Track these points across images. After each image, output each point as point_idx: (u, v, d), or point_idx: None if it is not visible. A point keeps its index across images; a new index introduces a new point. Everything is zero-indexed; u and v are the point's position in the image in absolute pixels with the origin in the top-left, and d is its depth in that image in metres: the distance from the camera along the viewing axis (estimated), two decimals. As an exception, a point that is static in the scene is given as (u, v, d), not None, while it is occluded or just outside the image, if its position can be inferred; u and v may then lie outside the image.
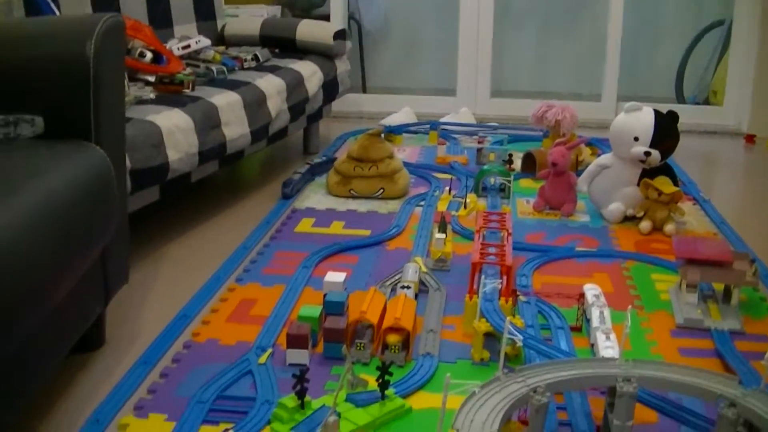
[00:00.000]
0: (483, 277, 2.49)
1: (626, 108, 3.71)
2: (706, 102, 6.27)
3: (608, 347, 2.40)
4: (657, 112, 3.67)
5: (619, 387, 1.92)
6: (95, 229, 2.23)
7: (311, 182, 4.26)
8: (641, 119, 3.65)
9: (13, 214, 1.78)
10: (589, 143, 4.73)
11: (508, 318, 2.08)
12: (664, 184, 3.63)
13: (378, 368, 2.16)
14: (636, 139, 3.63)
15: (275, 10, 5.77)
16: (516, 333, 2.14)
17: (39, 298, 1.91)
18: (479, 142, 4.85)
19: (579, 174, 3.91)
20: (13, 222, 1.76)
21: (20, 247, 1.76)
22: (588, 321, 2.65)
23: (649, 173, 3.68)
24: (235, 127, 3.62)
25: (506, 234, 2.95)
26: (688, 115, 4.35)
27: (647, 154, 3.61)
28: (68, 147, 2.24)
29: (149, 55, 3.67)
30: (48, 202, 1.94)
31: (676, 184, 3.69)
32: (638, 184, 3.69)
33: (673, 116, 3.70)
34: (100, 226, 2.27)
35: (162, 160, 3.12)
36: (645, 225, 3.62)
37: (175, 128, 3.18)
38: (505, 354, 1.95)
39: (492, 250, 2.75)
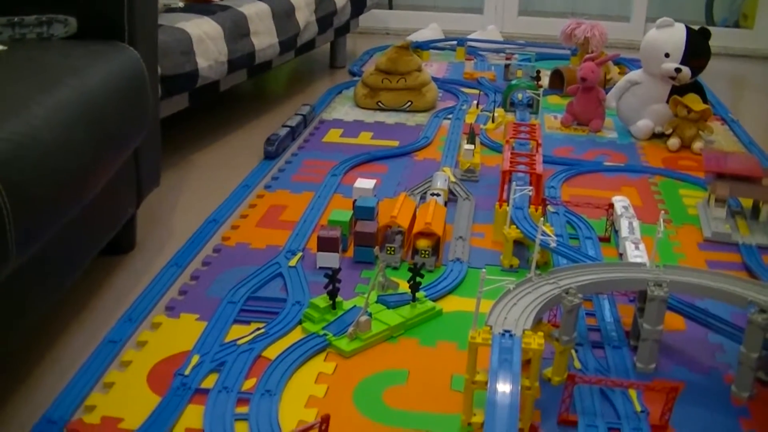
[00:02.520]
0: (514, 183, 2.48)
1: (658, 23, 3.67)
2: (736, 25, 6.20)
3: (637, 257, 2.40)
4: (689, 29, 3.63)
5: (650, 291, 1.93)
6: (129, 128, 2.24)
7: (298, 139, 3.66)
8: (673, 35, 3.62)
9: (50, 111, 1.78)
10: (618, 62, 4.69)
11: (542, 219, 2.07)
12: (693, 101, 3.60)
13: (410, 269, 2.17)
14: (667, 55, 3.60)
15: None
16: (550, 235, 2.14)
17: (76, 193, 1.92)
18: (507, 59, 4.81)
19: (607, 91, 3.88)
20: (50, 118, 1.76)
21: (57, 143, 1.77)
22: (616, 232, 2.65)
23: (678, 90, 3.66)
24: (264, 37, 3.60)
25: (536, 144, 2.94)
26: (718, 38, 4.28)
27: (678, 70, 3.58)
28: (102, 47, 2.23)
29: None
30: (84, 100, 1.94)
31: (705, 102, 3.66)
32: (667, 101, 3.66)
33: (704, 33, 3.66)
34: (134, 126, 2.27)
35: (191, 67, 3.11)
36: (673, 142, 3.60)
37: (204, 36, 3.17)
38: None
39: (522, 159, 2.74)
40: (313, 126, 3.79)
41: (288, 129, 3.49)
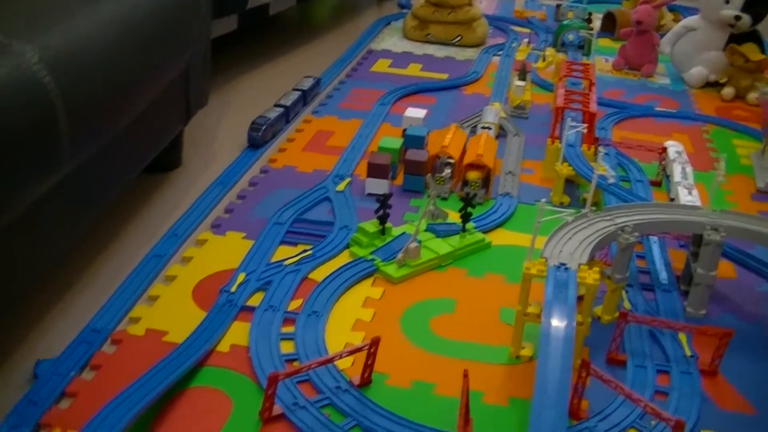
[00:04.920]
0: (569, 120, 2.44)
1: (720, -33, 3.58)
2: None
3: (690, 203, 2.35)
4: (752, -25, 3.54)
5: (707, 235, 1.89)
6: (178, 44, 2.21)
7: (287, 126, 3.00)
8: (734, -20, 3.53)
9: (98, 25, 1.75)
10: (672, 8, 4.60)
11: (601, 152, 2.03)
12: (751, 51, 3.53)
13: (462, 199, 2.13)
14: (727, 1, 3.51)
15: None
16: (608, 168, 2.10)
17: (126, 103, 1.91)
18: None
19: (660, 37, 3.81)
20: (96, 33, 1.73)
21: (109, 52, 1.76)
22: (668, 177, 2.60)
23: (736, 39, 3.58)
24: (315, -39, 3.54)
25: (589, 83, 2.88)
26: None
27: (737, 18, 3.50)
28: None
29: None
30: (133, 14, 1.92)
31: (763, 52, 3.58)
32: (724, 50, 3.59)
33: (768, -19, 3.58)
34: (183, 42, 2.25)
35: (242, -12, 3.06)
36: (728, 91, 3.53)
37: (256, -44, 3.12)
38: (584, 199, 1.92)
39: (576, 97, 2.69)
40: (360, 56, 3.74)
41: (281, 110, 2.88)
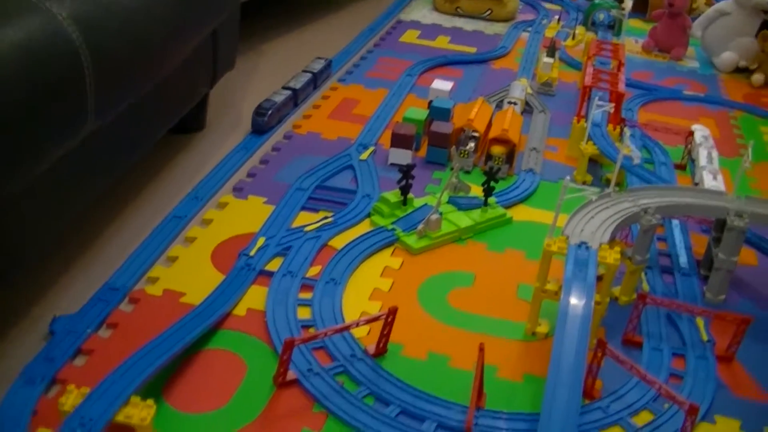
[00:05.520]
0: (597, 98, 2.42)
1: (755, -48, 3.54)
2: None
3: (714, 188, 2.33)
4: (788, -40, 3.50)
5: (730, 221, 1.88)
6: (208, 4, 2.20)
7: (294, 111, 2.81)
8: (770, -35, 3.49)
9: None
10: (706, -9, 4.55)
11: (627, 133, 2.02)
12: (783, 38, 3.49)
13: (485, 173, 2.13)
14: (761, -14, 3.48)
15: None
16: (634, 149, 2.08)
17: (154, 64, 1.91)
18: (590, -23, 4.68)
19: (693, 20, 3.77)
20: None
21: (140, 11, 1.76)
22: (693, 161, 2.58)
23: (769, 25, 3.54)
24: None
25: (618, 63, 2.86)
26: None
27: (772, 3, 3.46)
28: None
29: None
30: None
31: (796, 39, 3.55)
32: (756, 36, 3.55)
33: (805, -34, 3.53)
34: (213, 2, 2.24)
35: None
36: (757, 77, 3.50)
37: None
38: (607, 179, 1.91)
39: (604, 77, 2.67)
40: (389, 25, 3.72)
41: (288, 93, 2.73)
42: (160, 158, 2.34)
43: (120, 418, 1.31)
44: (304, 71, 2.91)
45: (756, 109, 3.21)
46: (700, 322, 1.84)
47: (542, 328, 1.75)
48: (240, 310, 1.74)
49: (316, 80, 2.92)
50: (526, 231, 2.14)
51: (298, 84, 2.79)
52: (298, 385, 1.55)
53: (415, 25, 3.76)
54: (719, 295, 1.94)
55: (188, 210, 2.09)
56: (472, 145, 2.38)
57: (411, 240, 2.00)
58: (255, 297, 1.78)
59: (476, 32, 3.76)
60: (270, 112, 2.57)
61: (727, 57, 3.59)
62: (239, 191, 2.20)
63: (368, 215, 2.11)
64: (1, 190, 1.36)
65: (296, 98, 2.76)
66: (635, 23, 4.20)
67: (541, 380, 1.55)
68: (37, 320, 1.68)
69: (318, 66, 2.97)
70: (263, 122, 2.55)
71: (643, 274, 1.96)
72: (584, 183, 2.39)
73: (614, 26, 3.86)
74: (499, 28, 3.84)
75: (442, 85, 2.67)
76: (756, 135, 2.97)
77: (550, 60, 3.08)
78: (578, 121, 2.54)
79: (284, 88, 2.74)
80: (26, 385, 1.48)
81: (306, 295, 1.79)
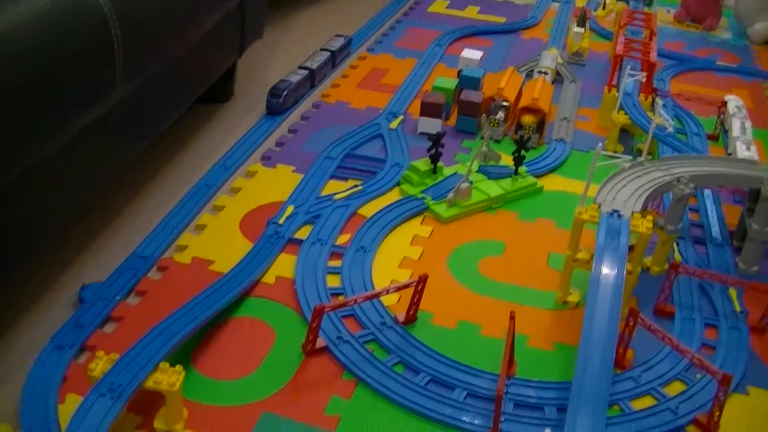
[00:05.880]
0: (628, 68, 2.39)
1: None
2: None
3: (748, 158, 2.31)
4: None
5: (765, 190, 1.85)
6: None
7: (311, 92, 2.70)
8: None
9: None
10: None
11: (660, 101, 1.99)
12: (818, 7, 3.44)
13: (516, 142, 2.11)
14: (796, -45, 3.43)
15: None
16: (667, 117, 2.06)
17: (182, 32, 1.92)
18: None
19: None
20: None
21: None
22: (725, 132, 2.55)
23: (804, -6, 3.49)
24: None
25: (650, 33, 2.83)
26: None
27: (806, -27, 3.41)
28: None
29: None
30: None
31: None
32: (790, 5, 3.50)
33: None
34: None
35: None
36: (791, 48, 3.45)
37: None
38: (639, 149, 1.88)
39: (636, 46, 2.64)
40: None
41: (305, 73, 2.63)
42: (189, 128, 2.33)
43: (149, 383, 1.31)
44: (323, 49, 2.82)
45: (791, 80, 3.16)
46: (733, 292, 1.82)
47: (573, 297, 1.74)
48: (269, 278, 1.74)
49: (334, 59, 2.83)
50: (556, 200, 2.12)
51: (315, 63, 2.69)
52: (327, 353, 1.55)
53: (444, -6, 3.73)
54: (752, 266, 1.92)
55: (217, 179, 2.09)
56: (502, 114, 2.36)
57: (441, 208, 1.99)
58: (284, 265, 1.78)
59: (506, 2, 3.73)
60: (285, 92, 2.48)
61: (762, 27, 3.55)
62: (267, 160, 2.20)
63: (398, 184, 2.10)
64: (30, 158, 1.36)
65: (313, 78, 2.67)
66: (667, -7, 4.15)
67: (572, 349, 1.55)
68: (67, 288, 1.68)
69: (337, 44, 2.87)
70: (278, 103, 2.47)
71: (675, 245, 1.94)
72: (615, 152, 2.36)
73: (646, -4, 3.82)
74: (529, -2, 3.81)
75: (471, 54, 2.65)
76: (790, 105, 2.93)
77: (580, 30, 3.05)
78: (609, 91, 2.52)
79: (301, 67, 2.65)
80: (56, 352, 1.48)
81: (335, 263, 1.78)
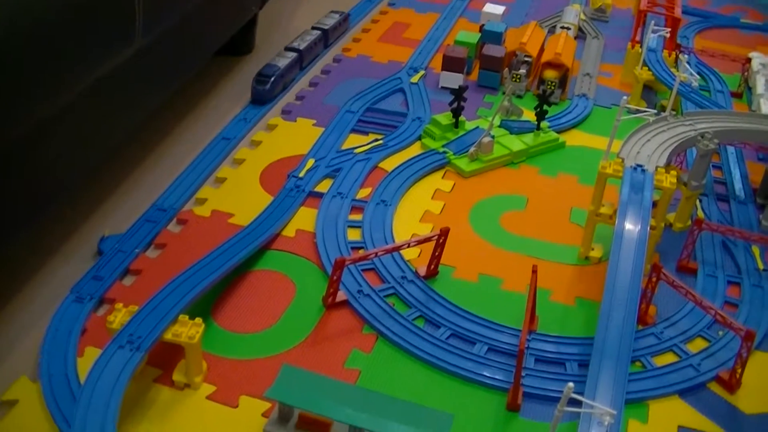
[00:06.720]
0: (652, 24, 2.36)
1: None
2: None
3: (772, 115, 2.28)
4: None
5: (790, 146, 1.83)
6: None
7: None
8: None
9: None
10: None
11: (684, 56, 1.96)
12: None
13: (538, 96, 2.09)
14: None
15: None
16: (693, 72, 2.03)
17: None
18: None
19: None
20: None
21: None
22: (750, 89, 2.52)
23: (830, -51, 3.44)
24: None
25: (675, -14, 2.79)
26: None
27: (834, -72, 3.35)
28: None
29: None
30: None
31: None
32: (817, -39, 3.45)
33: None
34: None
35: None
36: (817, 5, 3.40)
37: None
38: (662, 106, 1.85)
39: (660, 1, 2.61)
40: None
41: (293, 57, 2.38)
42: (209, 80, 2.32)
43: (168, 336, 1.31)
44: (314, 27, 2.57)
45: (817, 37, 3.12)
46: (756, 250, 1.80)
47: (596, 253, 1.72)
48: (289, 231, 1.73)
49: (327, 38, 2.59)
50: (579, 155, 2.10)
51: (303, 44, 2.45)
52: (347, 307, 1.54)
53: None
54: (776, 224, 1.90)
55: (237, 132, 2.08)
56: (524, 69, 2.34)
57: (462, 163, 1.97)
58: (304, 218, 1.77)
59: (528, -43, 3.67)
60: (272, 79, 2.26)
61: (787, -16, 3.49)
62: (288, 113, 2.18)
63: (419, 138, 2.08)
64: (52, 106, 1.35)
65: (302, 61, 2.43)
66: (692, -51, 4.09)
67: (594, 305, 1.54)
68: (86, 239, 1.68)
69: (330, 21, 2.63)
70: (265, 91, 2.24)
71: (698, 201, 1.92)
72: (637, 109, 2.34)
73: (670, -48, 3.76)
74: (551, -47, 3.75)
75: (494, 8, 2.62)
76: (816, 63, 2.88)
77: (604, -15, 3.02)
78: (633, 47, 2.49)
79: (287, 49, 2.42)
80: (75, 304, 1.49)
81: (356, 217, 1.77)
